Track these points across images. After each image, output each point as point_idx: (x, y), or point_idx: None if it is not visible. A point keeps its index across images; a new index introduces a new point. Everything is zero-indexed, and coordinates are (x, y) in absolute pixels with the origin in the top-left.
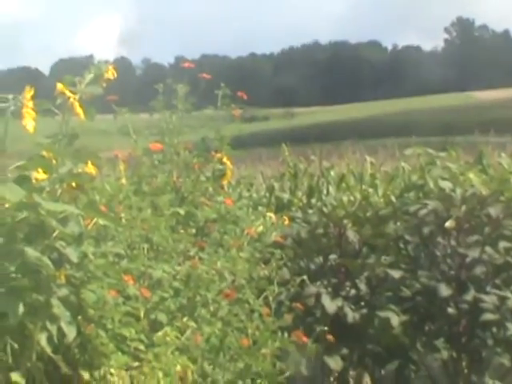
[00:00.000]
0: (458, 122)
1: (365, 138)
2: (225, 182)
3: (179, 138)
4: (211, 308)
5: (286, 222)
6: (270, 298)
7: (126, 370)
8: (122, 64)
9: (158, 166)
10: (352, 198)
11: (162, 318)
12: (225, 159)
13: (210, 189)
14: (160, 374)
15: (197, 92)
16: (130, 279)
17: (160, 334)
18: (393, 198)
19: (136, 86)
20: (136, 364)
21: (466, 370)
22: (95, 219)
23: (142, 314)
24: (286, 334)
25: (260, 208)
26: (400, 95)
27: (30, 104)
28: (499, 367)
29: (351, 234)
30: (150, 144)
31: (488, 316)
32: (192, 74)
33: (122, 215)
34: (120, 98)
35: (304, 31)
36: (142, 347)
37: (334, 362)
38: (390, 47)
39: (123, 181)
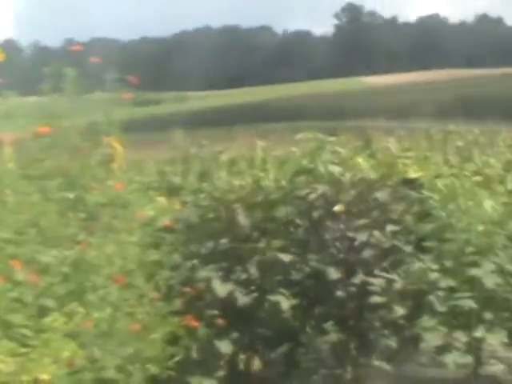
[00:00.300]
0: (347, 107)
1: (256, 123)
2: (115, 166)
3: (68, 122)
4: (100, 293)
5: (177, 207)
6: (161, 283)
7: (13, 356)
8: (9, 46)
9: (46, 149)
10: (243, 183)
11: (51, 303)
12: (115, 143)
13: (100, 173)
14: (48, 361)
15: (86, 75)
16: (17, 264)
17: (48, 319)
18: (283, 183)
19: (24, 69)
20: (23, 350)
21: (354, 352)
22: None
23: (29, 300)
24: (176, 319)
25: (151, 192)
26: (291, 80)
27: None
28: (387, 349)
29: (242, 219)
30: (39, 127)
31: (376, 299)
32: (83, 57)
33: (9, 199)
34: (7, 80)
35: (196, 16)
36: (29, 333)
37: (225, 346)
38: (280, 32)
39: (10, 165)
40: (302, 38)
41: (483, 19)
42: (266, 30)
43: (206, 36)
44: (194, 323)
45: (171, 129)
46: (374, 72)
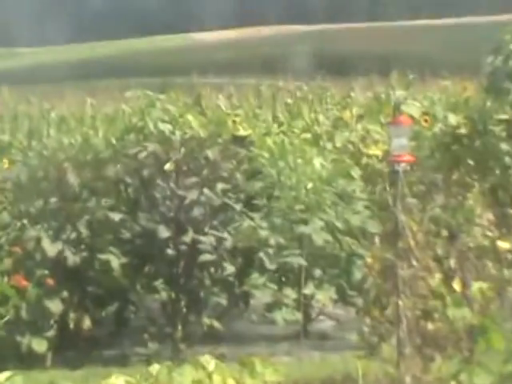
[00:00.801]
0: (177, 63)
1: (86, 80)
2: None
3: None
4: None
5: (6, 165)
6: None
7: None
8: None
9: None
10: (73, 141)
11: None
12: None
13: None
14: None
15: None
16: None
17: None
18: (113, 141)
19: None
20: None
21: (184, 310)
22: None
23: None
24: (5, 279)
25: None
26: (120, 36)
27: None
28: (217, 307)
29: (71, 178)
30: None
31: (206, 257)
32: None
33: None
34: None
35: None
36: None
37: (55, 305)
38: None
39: None
40: None
41: None
42: None
43: None
44: (24, 283)
45: None
46: (204, 28)
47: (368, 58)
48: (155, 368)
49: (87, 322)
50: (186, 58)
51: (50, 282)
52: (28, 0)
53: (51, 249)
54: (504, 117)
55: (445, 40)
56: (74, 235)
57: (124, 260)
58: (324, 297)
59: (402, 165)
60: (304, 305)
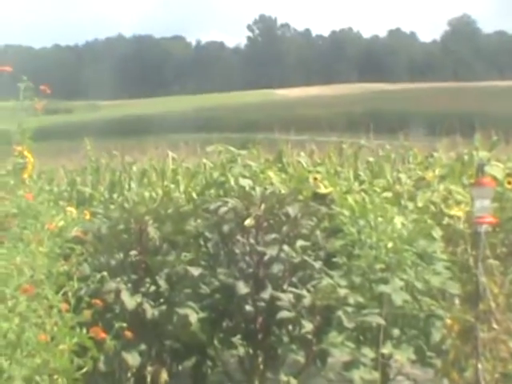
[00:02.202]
0: (259, 119)
1: (168, 133)
2: (26, 176)
3: None
4: (9, 303)
5: (87, 217)
6: (70, 294)
7: None
8: None
9: None
10: (154, 194)
11: None
12: (26, 152)
13: (11, 182)
14: None
15: None
16: None
17: None
18: (194, 195)
19: None
20: None
21: (261, 367)
22: None
23: None
24: (84, 330)
25: (61, 202)
26: (204, 91)
27: None
28: (294, 364)
29: (152, 231)
30: None
31: (284, 314)
32: None
33: None
34: None
35: (108, 24)
36: None
37: (132, 358)
38: (194, 42)
39: None
40: (215, 49)
41: (396, 33)
42: (179, 39)
43: (118, 45)
44: (102, 335)
45: (82, 138)
46: (287, 84)
47: (452, 118)
48: None
49: (164, 376)
50: (268, 113)
51: (129, 334)
52: (110, 54)
53: (130, 301)
54: None
55: None
56: (153, 288)
57: (202, 315)
58: (402, 357)
59: (484, 226)
60: (382, 364)
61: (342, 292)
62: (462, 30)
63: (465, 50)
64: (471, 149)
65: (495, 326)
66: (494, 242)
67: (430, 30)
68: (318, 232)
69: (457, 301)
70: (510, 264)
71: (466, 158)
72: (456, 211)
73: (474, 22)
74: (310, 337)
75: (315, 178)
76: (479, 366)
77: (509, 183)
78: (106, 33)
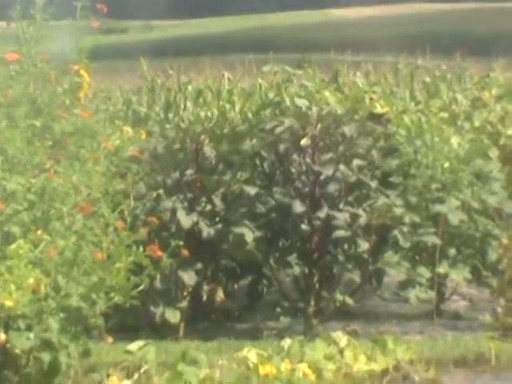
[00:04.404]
0: (315, 39)
1: (223, 54)
2: (82, 95)
3: (36, 49)
4: (66, 221)
5: (143, 137)
6: (126, 212)
7: None
8: None
9: (14, 76)
10: (209, 114)
11: (16, 230)
12: (82, 71)
13: (67, 101)
14: (12, 287)
15: (55, 2)
16: None
17: (13, 246)
18: (249, 115)
19: None
20: None
21: (317, 286)
22: None
23: None
24: (140, 248)
25: (117, 122)
26: (258, 11)
27: None
28: (350, 283)
29: (208, 150)
30: (6, 54)
31: (340, 233)
32: None
33: None
34: None
35: None
36: None
37: (188, 277)
38: None
39: None
40: None
41: None
42: None
43: None
44: (159, 253)
45: (138, 58)
46: (343, 4)
47: (509, 38)
48: (287, 342)
49: (220, 295)
50: (325, 34)
51: (185, 253)
52: None
53: (186, 220)
54: None
55: None
56: (208, 208)
57: (258, 234)
58: (458, 276)
59: None
60: (438, 284)
61: (398, 211)
62: None
63: None
64: None
65: None
66: None
67: None
68: (374, 151)
69: None
70: None
71: None
72: None
73: None
74: (365, 256)
75: (371, 98)
76: None
77: None
78: None
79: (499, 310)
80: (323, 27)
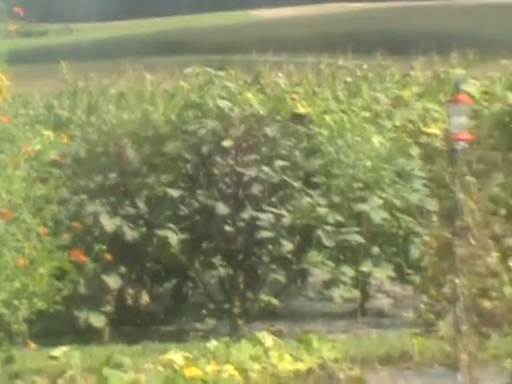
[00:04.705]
0: (237, 40)
1: (145, 56)
2: (0, 99)
3: None
4: None
5: (65, 141)
6: (48, 218)
7: None
8: None
9: None
10: (132, 117)
11: None
12: (0, 75)
13: None
14: None
15: None
16: None
17: None
18: (173, 117)
19: None
20: None
21: (242, 287)
22: None
23: None
24: (64, 253)
25: (38, 126)
26: (179, 12)
27: None
28: (274, 283)
29: (131, 153)
30: None
31: (264, 233)
32: None
33: None
34: None
35: None
36: None
37: (113, 281)
38: None
39: None
40: None
41: None
42: None
43: None
44: (82, 258)
45: (58, 61)
46: (264, 5)
47: (428, 37)
48: (213, 344)
49: (145, 298)
50: (246, 35)
51: (108, 257)
52: None
53: (109, 224)
54: None
55: (506, 19)
56: (132, 211)
57: (182, 236)
58: (382, 274)
59: (461, 143)
60: (361, 282)
61: (322, 211)
62: None
63: None
64: (447, 67)
65: (472, 241)
66: (471, 159)
67: None
68: (296, 152)
69: (435, 218)
70: (487, 180)
71: (442, 76)
72: (433, 129)
73: None
74: (289, 256)
75: (293, 99)
76: (457, 281)
77: (485, 100)
78: None
79: (422, 306)
80: (244, 28)
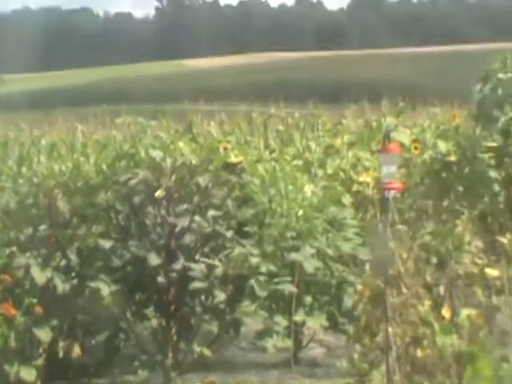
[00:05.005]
0: (169, 90)
1: (77, 106)
2: None
3: None
4: None
5: None
6: None
7: None
8: None
9: None
10: (64, 168)
11: None
12: None
13: None
14: None
15: None
16: None
17: None
18: (104, 167)
19: None
20: None
21: (175, 338)
22: None
23: None
24: None
25: None
26: (113, 62)
27: None
28: (207, 334)
29: (62, 204)
30: None
31: (196, 284)
32: None
33: None
34: None
35: None
36: None
37: (44, 334)
38: (102, 14)
39: None
40: (123, 20)
41: (303, 2)
42: (86, 11)
43: (25, 17)
44: (12, 311)
45: None
46: (196, 55)
47: (360, 86)
48: None
49: (77, 351)
50: (178, 84)
51: (39, 310)
52: (16, 27)
53: (40, 276)
54: (493, 144)
55: (435, 67)
56: (63, 263)
57: (114, 288)
58: (315, 324)
59: (392, 192)
60: (295, 332)
61: (254, 261)
62: None
63: (370, 17)
64: (379, 115)
65: (404, 290)
66: (403, 207)
67: None
68: (229, 201)
69: (367, 266)
70: (418, 228)
71: (373, 124)
72: (365, 177)
73: None
74: (222, 306)
75: (225, 148)
76: (389, 330)
77: (415, 149)
78: (12, 5)
79: (355, 356)
80: (177, 78)
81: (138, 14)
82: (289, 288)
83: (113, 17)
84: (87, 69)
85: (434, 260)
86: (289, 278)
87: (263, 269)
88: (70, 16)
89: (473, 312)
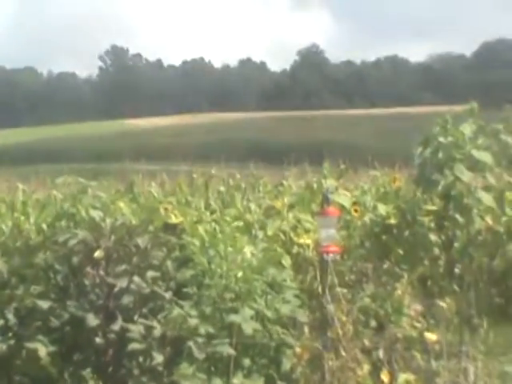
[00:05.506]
0: (111, 149)
1: (17, 165)
2: None
3: None
4: None
5: None
6: None
7: None
8: None
9: None
10: (3, 227)
11: None
12: None
13: None
14: None
15: None
16: None
17: None
18: (44, 227)
19: None
20: None
21: None
22: None
23: None
24: None
25: None
26: (55, 122)
27: None
28: None
29: (0, 264)
30: None
31: (135, 345)
32: None
33: None
34: None
35: None
36: None
37: None
38: (45, 73)
39: None
40: (66, 80)
41: (247, 63)
42: (30, 70)
43: None
44: None
45: None
46: (139, 114)
47: (301, 147)
48: None
49: None
50: (119, 144)
51: None
52: None
53: None
54: (433, 208)
55: (379, 129)
56: (1, 323)
57: (52, 348)
58: None
59: (331, 255)
60: None
61: (193, 322)
62: (311, 60)
63: (313, 79)
64: (320, 177)
65: (343, 353)
66: (343, 270)
67: (279, 59)
68: (168, 262)
69: (306, 329)
70: (357, 291)
71: (314, 186)
72: (305, 239)
73: (322, 51)
74: (160, 368)
75: (166, 208)
76: None
77: (355, 211)
78: None
79: None
80: (119, 137)
81: (82, 73)
82: (227, 350)
83: (56, 76)
84: (29, 128)
85: (373, 323)
86: (227, 340)
87: (202, 330)
88: (13, 74)
89: (411, 377)
